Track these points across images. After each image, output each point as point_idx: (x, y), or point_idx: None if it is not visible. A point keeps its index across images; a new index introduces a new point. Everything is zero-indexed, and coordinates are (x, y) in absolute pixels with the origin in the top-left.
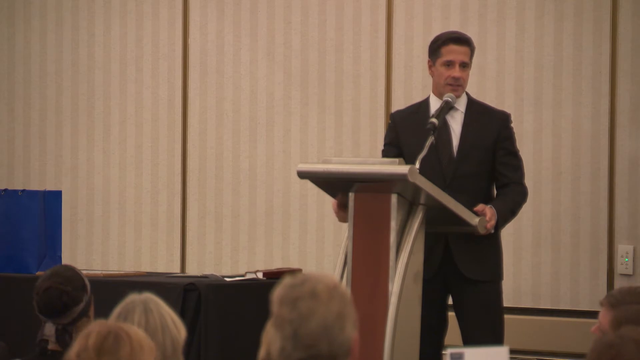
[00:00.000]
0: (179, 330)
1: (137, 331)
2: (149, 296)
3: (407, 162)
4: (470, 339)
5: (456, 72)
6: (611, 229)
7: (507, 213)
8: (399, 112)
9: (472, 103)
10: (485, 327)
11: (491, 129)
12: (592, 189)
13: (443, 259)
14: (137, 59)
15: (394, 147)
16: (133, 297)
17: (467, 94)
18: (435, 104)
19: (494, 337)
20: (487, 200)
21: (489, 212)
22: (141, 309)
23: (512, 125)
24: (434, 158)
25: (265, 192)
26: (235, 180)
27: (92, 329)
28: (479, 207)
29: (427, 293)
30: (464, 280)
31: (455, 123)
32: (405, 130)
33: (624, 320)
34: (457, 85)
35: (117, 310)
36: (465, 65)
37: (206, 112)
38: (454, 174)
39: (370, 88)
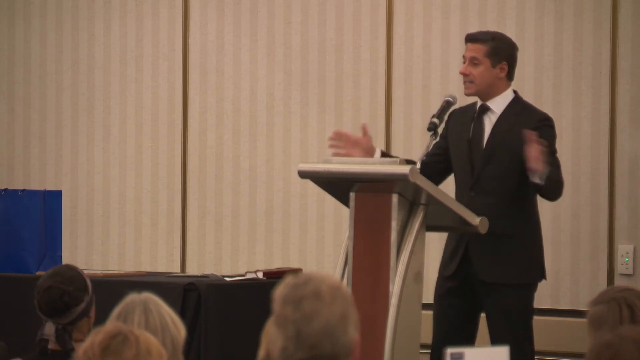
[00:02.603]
0: (179, 330)
1: (148, 337)
2: (149, 296)
3: (454, 162)
4: (494, 344)
5: (462, 67)
6: (611, 229)
7: (555, 174)
8: (455, 109)
9: (512, 105)
10: (505, 333)
11: (519, 130)
12: (592, 189)
13: (463, 260)
14: (137, 59)
15: (443, 140)
16: (133, 297)
17: (515, 95)
18: (478, 103)
19: (514, 345)
20: (513, 203)
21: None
22: (141, 309)
23: (550, 126)
24: (466, 159)
25: (265, 192)
26: (235, 180)
27: (103, 328)
28: (529, 133)
29: (452, 294)
30: (484, 283)
31: (489, 125)
32: (451, 128)
33: (590, 321)
34: (467, 81)
35: (117, 310)
36: (475, 62)
37: (206, 112)
38: (479, 175)
39: (370, 88)
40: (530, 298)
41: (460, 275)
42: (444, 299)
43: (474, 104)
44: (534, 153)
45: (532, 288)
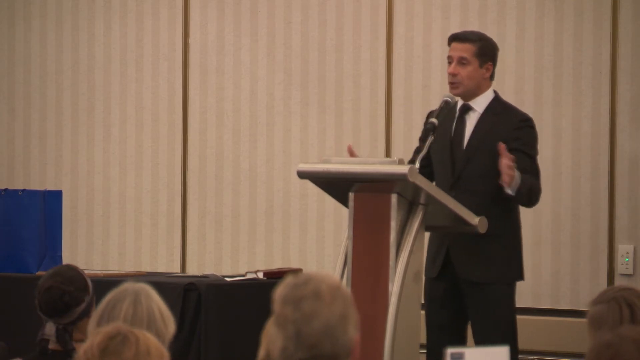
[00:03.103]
0: (167, 325)
1: (148, 337)
2: (143, 288)
3: (434, 162)
4: (478, 343)
5: (450, 67)
6: (611, 229)
7: (527, 182)
8: (432, 111)
9: (493, 105)
10: (488, 332)
11: (500, 130)
12: (592, 189)
13: (447, 261)
14: (137, 59)
15: (422, 143)
16: (127, 286)
17: (495, 95)
18: (459, 103)
19: (501, 342)
20: (493, 202)
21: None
22: (131, 299)
23: (531, 127)
24: (447, 158)
25: (265, 192)
26: (235, 180)
27: (103, 329)
28: (501, 146)
29: (441, 296)
30: (466, 282)
31: (470, 124)
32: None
33: (590, 321)
34: (455, 82)
35: (109, 296)
36: (463, 62)
37: (206, 112)
38: (459, 174)
39: (370, 88)
40: (512, 296)
41: (446, 277)
42: (433, 301)
43: (456, 103)
44: (505, 166)
45: (512, 287)
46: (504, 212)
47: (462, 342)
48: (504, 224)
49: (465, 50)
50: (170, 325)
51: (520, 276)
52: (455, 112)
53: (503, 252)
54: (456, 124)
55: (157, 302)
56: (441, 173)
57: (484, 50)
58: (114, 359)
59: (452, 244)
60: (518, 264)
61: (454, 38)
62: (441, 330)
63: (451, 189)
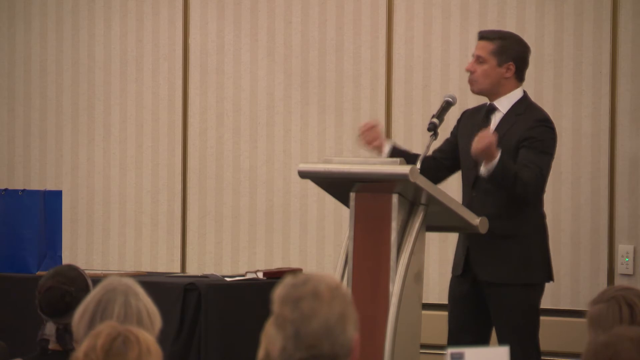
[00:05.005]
0: (154, 322)
1: (145, 335)
2: (129, 286)
3: (461, 160)
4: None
5: (468, 64)
6: (611, 229)
7: (511, 169)
8: (467, 110)
9: (517, 105)
10: (506, 333)
11: (516, 131)
12: (592, 189)
13: (468, 260)
14: (138, 59)
15: (452, 137)
16: (114, 284)
17: (523, 96)
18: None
19: (517, 345)
20: (510, 203)
21: (487, 139)
22: (122, 300)
23: (546, 127)
24: (471, 158)
25: (265, 191)
26: (235, 180)
27: (102, 330)
28: (484, 132)
29: (464, 294)
30: (485, 282)
31: (493, 125)
32: (462, 128)
33: (590, 320)
34: (470, 79)
35: (97, 296)
36: (480, 60)
37: (206, 111)
38: (478, 175)
39: (371, 88)
40: (530, 298)
41: (469, 275)
42: (456, 299)
43: (485, 103)
44: (479, 138)
45: (532, 289)
46: (521, 212)
47: (483, 342)
48: (522, 225)
49: (482, 48)
50: (157, 322)
51: (539, 278)
52: (484, 112)
53: (519, 253)
54: (481, 124)
55: (144, 300)
56: (466, 173)
57: (503, 50)
58: None
59: (472, 244)
60: (538, 265)
61: (478, 36)
62: (462, 329)
63: (472, 188)
